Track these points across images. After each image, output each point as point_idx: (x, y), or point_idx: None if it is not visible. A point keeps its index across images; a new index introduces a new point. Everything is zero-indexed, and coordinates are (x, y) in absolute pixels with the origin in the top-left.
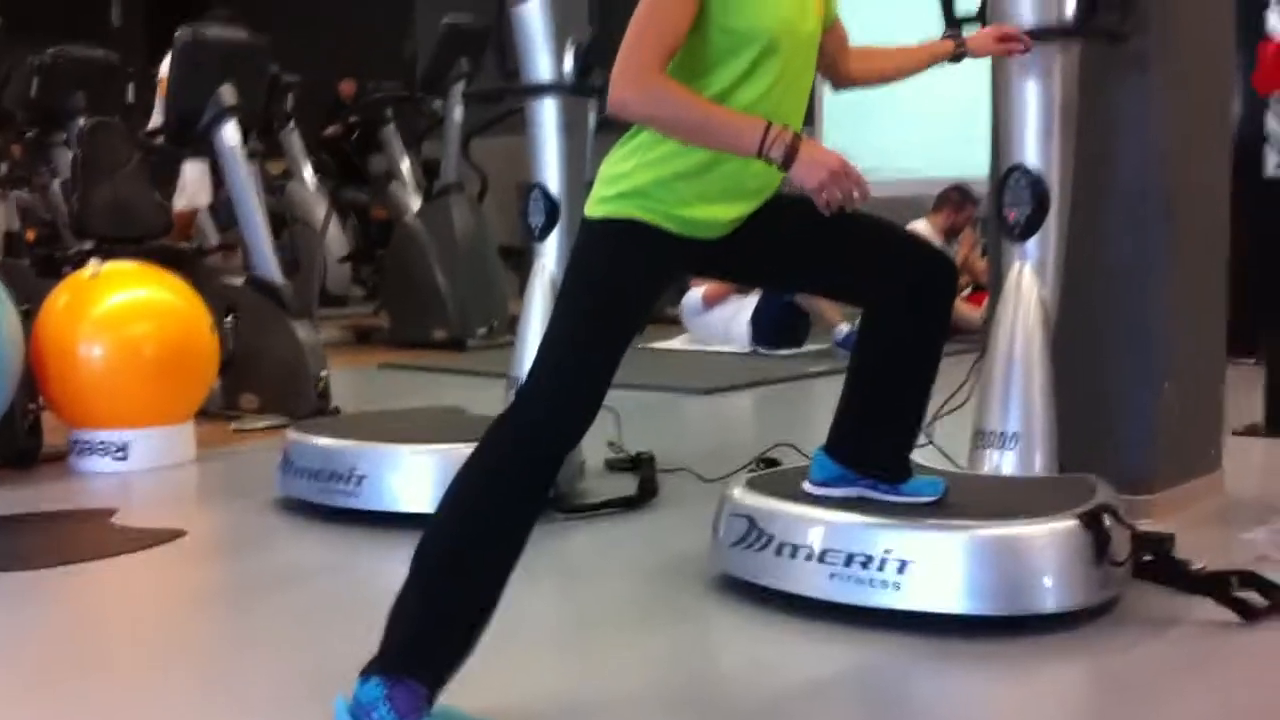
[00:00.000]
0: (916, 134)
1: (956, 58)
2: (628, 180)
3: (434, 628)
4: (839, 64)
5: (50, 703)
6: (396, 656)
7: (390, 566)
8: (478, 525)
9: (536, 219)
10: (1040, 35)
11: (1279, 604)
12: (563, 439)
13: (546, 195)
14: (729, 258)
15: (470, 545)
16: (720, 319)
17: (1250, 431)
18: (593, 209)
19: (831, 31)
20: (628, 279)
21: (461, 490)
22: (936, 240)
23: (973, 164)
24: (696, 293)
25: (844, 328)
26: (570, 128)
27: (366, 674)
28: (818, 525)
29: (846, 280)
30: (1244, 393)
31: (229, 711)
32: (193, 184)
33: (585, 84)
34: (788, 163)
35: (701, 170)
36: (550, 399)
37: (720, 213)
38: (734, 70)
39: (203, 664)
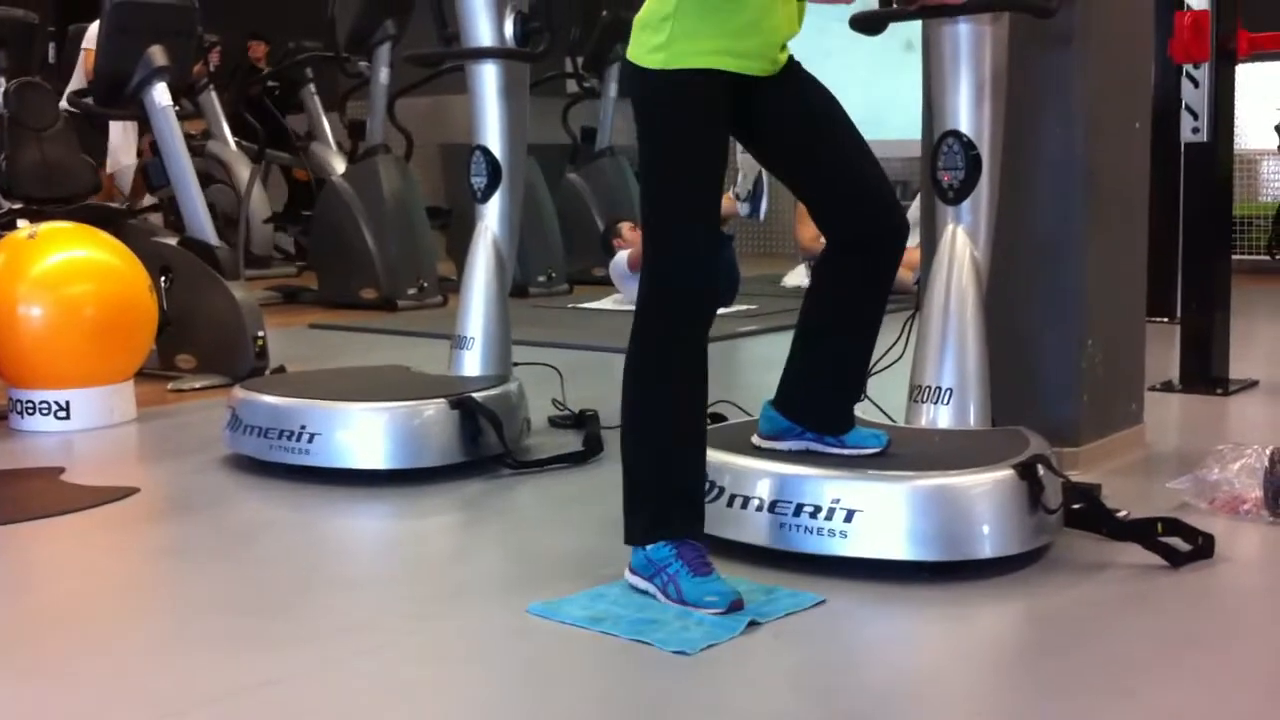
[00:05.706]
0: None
1: None
2: (675, 20)
3: (679, 491)
4: None
5: (8, 658)
6: (666, 522)
7: (344, 521)
8: (667, 397)
9: (479, 180)
10: (972, 7)
11: (1201, 548)
12: (703, 287)
13: (489, 157)
14: (765, 112)
15: (668, 414)
16: None
17: (1166, 388)
18: (644, 57)
19: None
20: (694, 134)
21: (639, 370)
22: None
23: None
24: (623, 255)
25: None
26: (511, 90)
27: (645, 541)
28: (768, 477)
29: (821, 196)
30: (1160, 350)
31: (194, 665)
32: (116, 145)
33: (526, 49)
34: None
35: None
36: (675, 261)
37: (758, 42)
38: None
39: (163, 619)
